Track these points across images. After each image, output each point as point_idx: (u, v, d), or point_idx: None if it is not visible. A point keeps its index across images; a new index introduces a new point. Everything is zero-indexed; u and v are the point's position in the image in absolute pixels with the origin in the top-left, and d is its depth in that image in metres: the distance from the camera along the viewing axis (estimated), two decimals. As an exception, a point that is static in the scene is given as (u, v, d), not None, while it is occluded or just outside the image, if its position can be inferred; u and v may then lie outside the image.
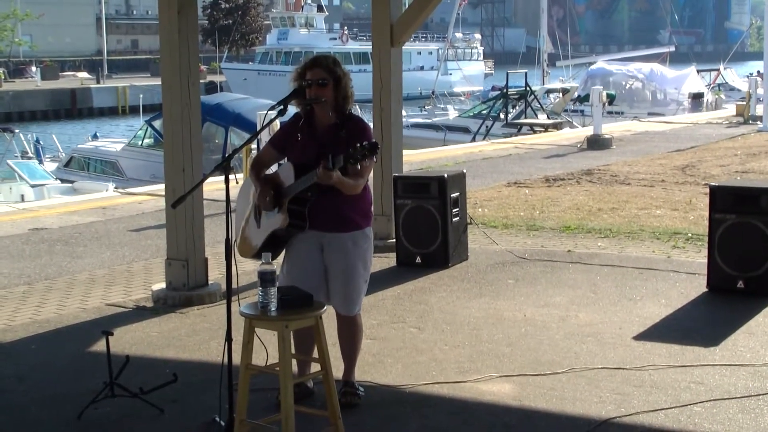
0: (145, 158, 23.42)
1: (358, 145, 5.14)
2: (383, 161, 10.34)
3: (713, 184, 8.83)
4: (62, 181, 23.87)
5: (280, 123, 5.96)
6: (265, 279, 5.09)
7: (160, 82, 8.72)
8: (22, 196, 22.08)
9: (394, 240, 10.03)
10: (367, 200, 5.77)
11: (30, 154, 26.52)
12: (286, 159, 5.79)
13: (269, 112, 5.61)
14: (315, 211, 5.57)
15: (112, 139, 30.62)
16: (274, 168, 5.94)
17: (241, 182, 7.07)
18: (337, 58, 5.89)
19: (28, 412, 5.98)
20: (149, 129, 24.00)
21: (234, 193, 5.59)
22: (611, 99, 34.89)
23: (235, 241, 5.84)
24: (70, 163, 26.14)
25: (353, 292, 5.74)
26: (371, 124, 10.71)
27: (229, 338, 5.11)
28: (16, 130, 27.80)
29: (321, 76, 5.57)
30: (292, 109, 5.79)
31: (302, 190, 5.50)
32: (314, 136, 5.65)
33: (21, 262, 10.39)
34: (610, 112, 34.22)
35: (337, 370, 5.77)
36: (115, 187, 19.67)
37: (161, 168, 8.97)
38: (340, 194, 5.50)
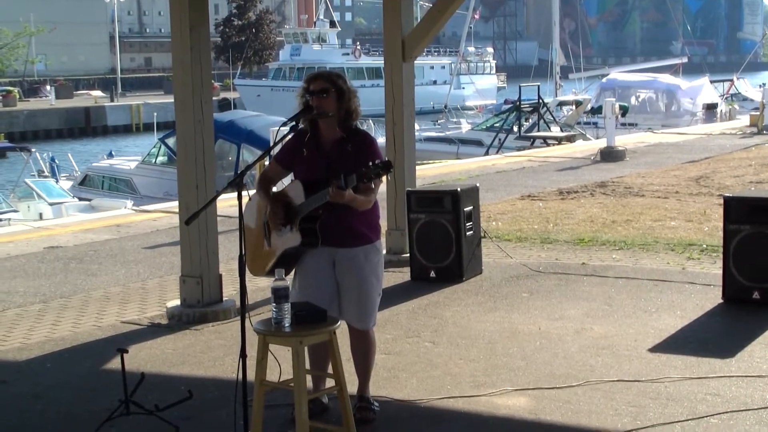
0: (158, 176, 23.52)
1: (371, 163, 5.15)
2: (396, 176, 10.34)
3: (727, 195, 8.80)
4: (78, 199, 23.97)
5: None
6: (279, 295, 5.10)
7: (173, 100, 8.76)
8: (41, 214, 22.18)
9: (408, 254, 10.02)
10: (375, 213, 5.77)
11: (46, 173, 26.65)
12: (292, 175, 5.80)
13: (281, 128, 5.61)
14: (326, 227, 5.56)
15: (127, 157, 30.76)
16: (286, 181, 5.94)
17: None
18: (347, 73, 5.91)
19: (44, 430, 5.99)
20: (162, 147, 24.10)
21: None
22: (624, 111, 34.87)
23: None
24: (84, 182, 26.26)
25: (367, 306, 5.74)
26: (384, 139, 10.76)
27: (243, 354, 5.11)
28: (33, 149, 27.95)
29: (322, 86, 5.57)
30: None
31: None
32: (320, 151, 5.65)
33: (36, 281, 10.43)
34: (623, 124, 34.19)
35: (352, 385, 5.77)
36: (133, 205, 19.72)
37: (175, 185, 8.99)
38: (350, 209, 5.50)
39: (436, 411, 6.09)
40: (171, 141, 23.13)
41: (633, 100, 40.94)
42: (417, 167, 11.42)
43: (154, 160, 24.51)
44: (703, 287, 9.09)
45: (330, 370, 5.52)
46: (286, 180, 5.96)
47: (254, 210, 5.85)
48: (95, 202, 22.98)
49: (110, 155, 31.96)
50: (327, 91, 5.56)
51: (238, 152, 21.59)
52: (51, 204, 22.75)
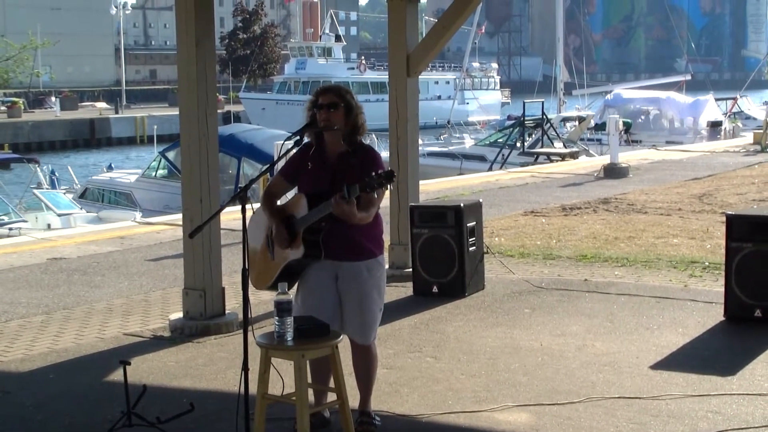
0: (159, 189, 23.48)
1: (374, 173, 5.17)
2: (400, 190, 10.37)
3: (730, 212, 8.82)
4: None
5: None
6: (282, 309, 5.12)
7: (178, 112, 8.78)
8: (49, 225, 22.17)
9: (411, 269, 10.04)
10: (379, 227, 5.79)
11: (46, 186, 26.62)
12: (296, 188, 5.82)
13: (286, 143, 5.64)
14: (329, 240, 5.58)
15: (127, 170, 30.76)
16: (290, 195, 5.96)
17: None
18: (352, 87, 5.94)
19: (45, 441, 6.01)
20: (163, 160, 24.08)
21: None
22: (627, 127, 34.86)
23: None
24: (84, 195, 26.22)
25: (369, 320, 5.74)
26: (387, 153, 10.78)
27: (245, 368, 5.13)
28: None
29: (332, 100, 5.61)
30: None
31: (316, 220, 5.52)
32: (325, 165, 5.68)
33: (39, 292, 10.45)
34: (626, 141, 34.16)
35: (354, 400, 5.78)
36: (142, 216, 19.70)
37: (175, 199, 9.02)
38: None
39: (437, 426, 6.09)
40: (171, 154, 23.13)
41: (639, 114, 40.95)
42: (420, 182, 11.43)
43: (154, 174, 24.46)
44: (705, 305, 9.09)
45: (332, 384, 5.53)
46: (290, 194, 5.98)
47: (258, 223, 5.87)
48: (103, 214, 22.95)
49: (110, 168, 31.92)
50: (336, 105, 5.59)
51: (238, 166, 21.59)
52: (59, 215, 22.75)
